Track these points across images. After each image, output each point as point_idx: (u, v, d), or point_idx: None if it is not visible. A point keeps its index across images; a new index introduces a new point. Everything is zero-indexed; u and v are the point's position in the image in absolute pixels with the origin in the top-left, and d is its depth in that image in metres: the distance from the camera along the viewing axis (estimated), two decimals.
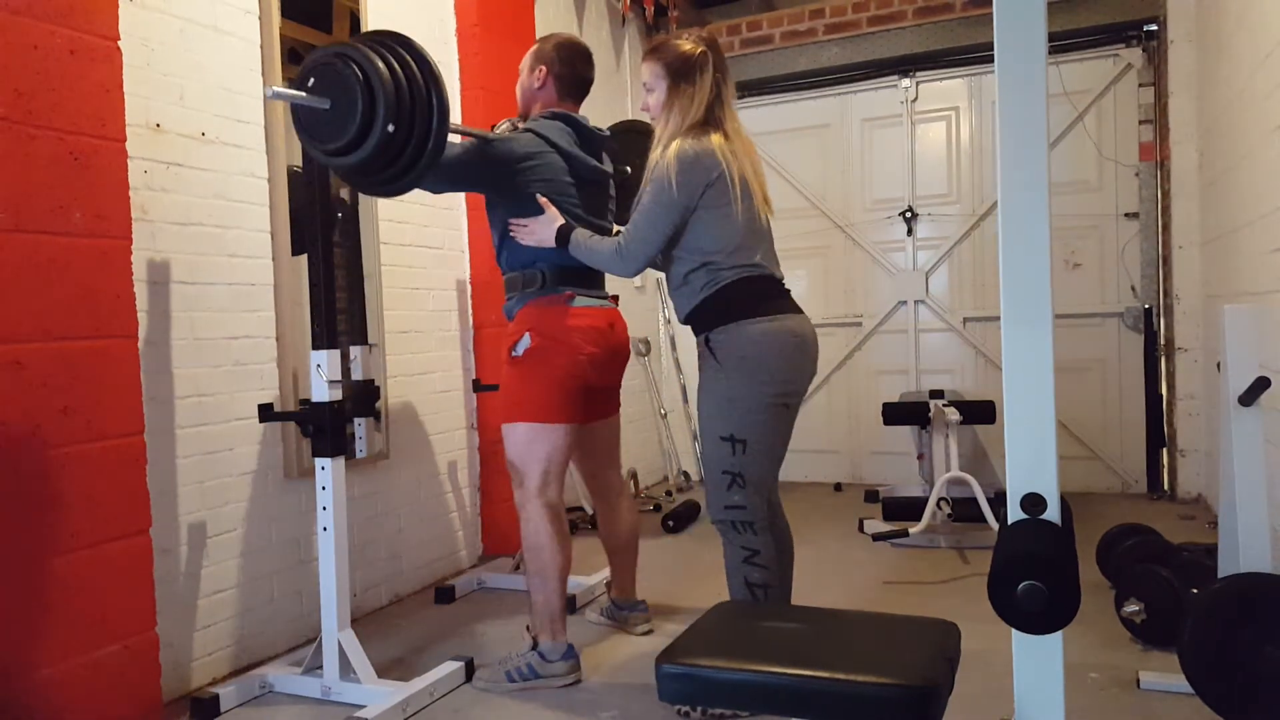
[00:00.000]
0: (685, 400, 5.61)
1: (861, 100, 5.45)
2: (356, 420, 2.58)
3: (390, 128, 2.15)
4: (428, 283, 3.72)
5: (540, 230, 2.52)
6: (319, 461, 2.49)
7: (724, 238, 2.28)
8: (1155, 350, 4.84)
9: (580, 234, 2.47)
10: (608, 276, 2.73)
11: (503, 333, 2.74)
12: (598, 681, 2.64)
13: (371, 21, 3.40)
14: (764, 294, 2.30)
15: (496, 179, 2.56)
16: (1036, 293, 1.24)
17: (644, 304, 5.62)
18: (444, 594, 3.45)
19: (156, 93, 2.57)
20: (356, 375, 2.62)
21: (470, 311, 3.93)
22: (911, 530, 3.79)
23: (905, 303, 5.38)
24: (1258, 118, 3.31)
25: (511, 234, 2.59)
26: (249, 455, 2.83)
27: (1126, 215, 4.90)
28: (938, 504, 3.83)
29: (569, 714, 2.43)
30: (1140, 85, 4.83)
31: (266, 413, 2.53)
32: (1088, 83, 4.92)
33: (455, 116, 3.89)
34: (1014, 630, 1.24)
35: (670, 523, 4.44)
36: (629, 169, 3.00)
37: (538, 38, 4.22)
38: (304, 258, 2.87)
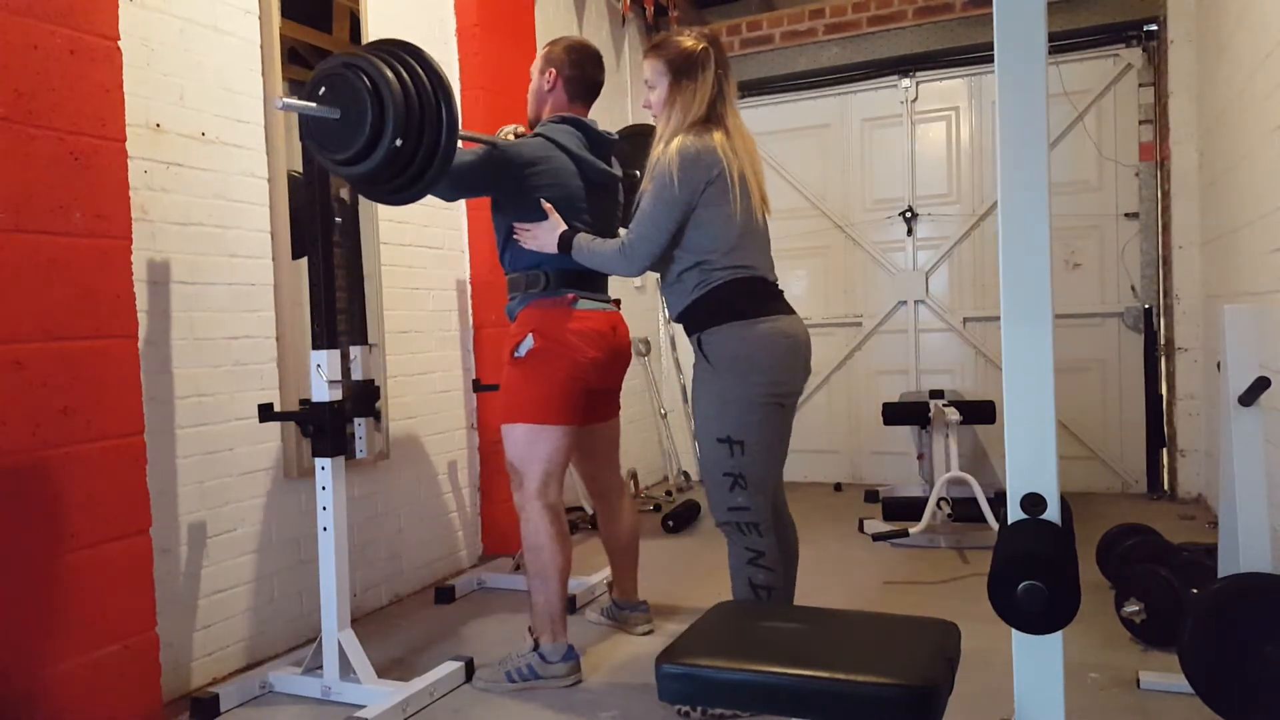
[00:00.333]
0: (685, 400, 5.60)
1: (861, 100, 5.45)
2: (356, 420, 2.58)
3: (398, 142, 2.15)
4: (428, 283, 3.72)
5: (543, 236, 2.52)
6: (319, 461, 2.49)
7: (720, 237, 2.28)
8: (1155, 350, 4.84)
9: (582, 238, 2.47)
10: (610, 277, 2.74)
11: (504, 333, 2.74)
12: (598, 682, 2.64)
13: (371, 21, 3.40)
14: (756, 295, 2.31)
15: (505, 184, 2.56)
16: (1036, 293, 1.24)
17: (644, 304, 5.62)
18: (444, 594, 3.45)
19: (156, 93, 2.57)
20: (356, 375, 2.62)
21: (470, 311, 3.93)
22: (911, 530, 3.79)
23: (905, 303, 5.38)
24: (1258, 118, 3.31)
25: (515, 238, 2.59)
26: (249, 455, 2.83)
27: (1126, 215, 4.90)
28: (938, 504, 3.83)
29: (569, 714, 2.43)
30: (1140, 85, 4.83)
31: (266, 413, 2.53)
32: (1088, 83, 4.92)
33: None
34: (1014, 630, 1.24)
35: (670, 523, 4.44)
36: (638, 173, 3.00)
37: (538, 38, 4.24)
38: (304, 258, 2.88)
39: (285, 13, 2.99)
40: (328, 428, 2.46)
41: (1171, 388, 4.75)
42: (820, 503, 4.96)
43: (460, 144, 2.38)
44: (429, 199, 2.44)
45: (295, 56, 3.07)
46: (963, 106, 5.22)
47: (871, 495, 4.94)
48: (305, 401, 2.55)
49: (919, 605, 3.20)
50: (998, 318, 1.27)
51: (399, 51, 2.25)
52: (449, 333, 3.84)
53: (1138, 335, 4.88)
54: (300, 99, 2.20)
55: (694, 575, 3.67)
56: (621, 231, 2.43)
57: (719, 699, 1.47)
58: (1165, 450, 4.82)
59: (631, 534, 3.04)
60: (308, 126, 2.27)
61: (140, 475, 2.24)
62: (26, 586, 1.99)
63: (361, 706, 2.37)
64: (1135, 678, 2.47)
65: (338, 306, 2.62)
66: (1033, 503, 1.24)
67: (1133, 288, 4.90)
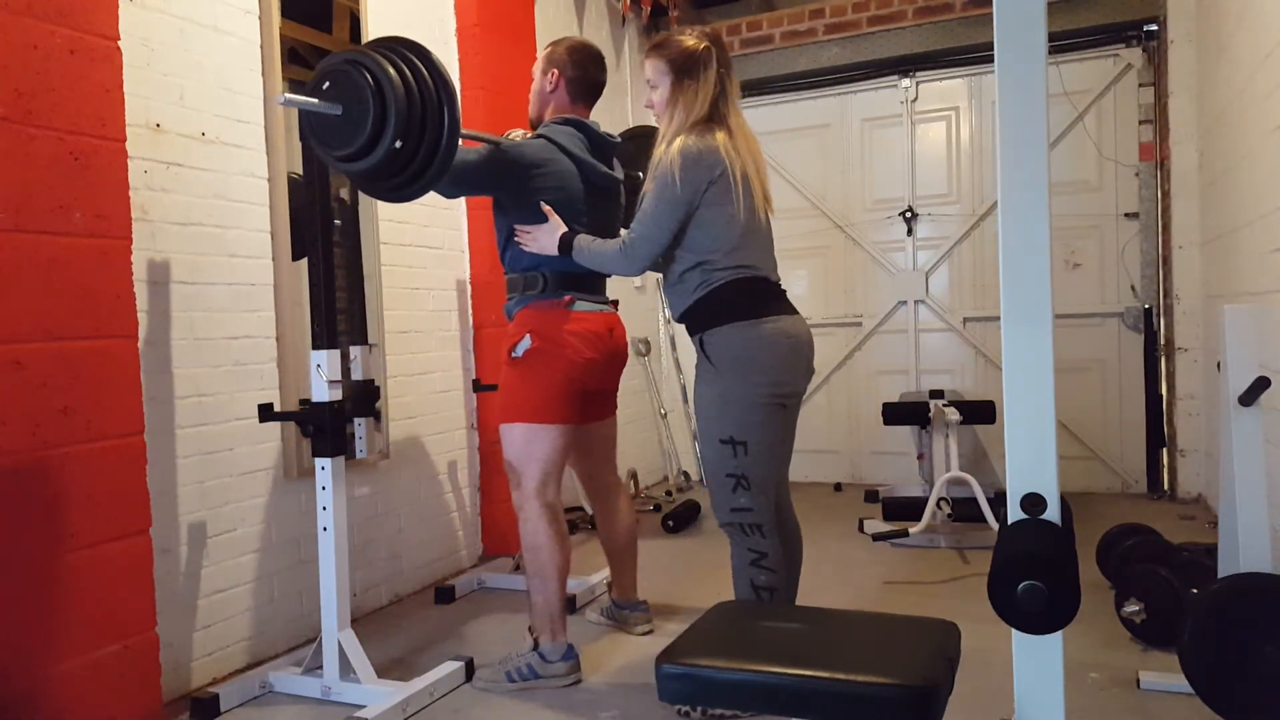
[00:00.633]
0: (685, 400, 5.60)
1: (861, 100, 5.45)
2: (356, 420, 2.58)
3: (398, 144, 2.15)
4: (428, 283, 3.72)
5: (543, 238, 2.52)
6: (319, 461, 2.49)
7: (723, 237, 2.27)
8: (1155, 350, 4.84)
9: (582, 239, 2.47)
10: (609, 278, 2.74)
11: (502, 332, 2.74)
12: (598, 681, 2.64)
13: (371, 21, 3.40)
14: (758, 295, 2.30)
15: (508, 185, 2.56)
16: (1036, 293, 1.24)
17: (644, 304, 5.62)
18: (444, 594, 3.45)
19: (156, 93, 2.57)
20: (356, 375, 2.62)
21: (470, 311, 3.93)
22: (911, 530, 3.79)
23: (905, 303, 5.38)
24: (1258, 118, 3.31)
25: (516, 240, 2.59)
26: (249, 455, 2.83)
27: (1126, 215, 4.90)
28: (938, 504, 3.83)
29: (569, 714, 2.43)
30: (1140, 85, 4.83)
31: (266, 413, 2.53)
32: (1088, 83, 4.92)
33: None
34: (1014, 630, 1.24)
35: (670, 523, 4.44)
36: (640, 174, 3.00)
37: (538, 38, 4.24)
38: (304, 258, 2.87)
39: (285, 13, 2.99)
40: (328, 428, 2.46)
41: (1171, 388, 4.75)
42: (820, 503, 4.96)
43: (463, 143, 2.38)
44: (430, 197, 2.44)
45: (295, 56, 3.07)
46: (963, 106, 5.22)
47: (871, 495, 4.93)
48: (305, 401, 2.55)
49: (919, 605, 3.20)
50: (998, 318, 1.27)
51: (403, 50, 2.24)
52: (449, 333, 3.84)
53: (1138, 335, 4.88)
54: (303, 94, 2.20)
55: (694, 575, 3.67)
56: (623, 232, 2.43)
57: (719, 699, 1.47)
58: (1165, 450, 4.82)
59: (629, 533, 3.04)
60: (309, 121, 2.28)
61: (140, 475, 2.24)
62: (26, 586, 1.99)
63: (361, 706, 2.37)
64: (1135, 678, 2.47)
65: (338, 306, 2.62)
66: (1033, 503, 1.24)
67: (1133, 288, 4.90)
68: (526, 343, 2.59)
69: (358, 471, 3.27)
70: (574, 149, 2.61)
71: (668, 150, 2.27)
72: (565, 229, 2.51)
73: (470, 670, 2.67)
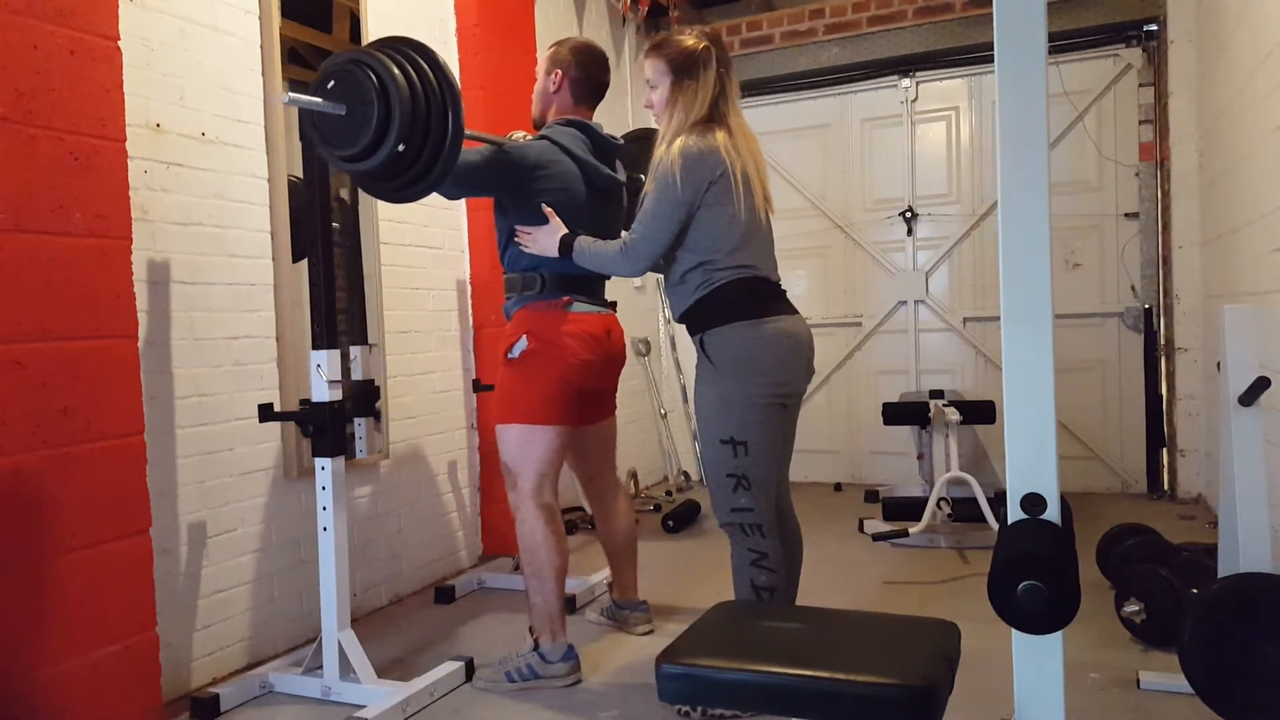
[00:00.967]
0: (685, 400, 5.60)
1: (861, 100, 5.45)
2: (356, 420, 2.58)
3: (401, 147, 2.15)
4: (428, 283, 3.72)
5: (544, 240, 2.51)
6: (319, 461, 2.49)
7: (724, 237, 2.27)
8: (1155, 350, 4.84)
9: (583, 241, 2.46)
10: (608, 281, 2.73)
11: (502, 333, 2.74)
12: (598, 681, 2.64)
13: (371, 21, 3.40)
14: (758, 295, 2.30)
15: (509, 186, 2.56)
16: (1036, 293, 1.24)
17: (644, 304, 5.62)
18: (444, 594, 3.45)
19: (156, 93, 2.57)
20: (356, 375, 2.62)
21: (470, 311, 3.93)
22: (911, 530, 3.79)
23: (905, 303, 5.38)
24: (1258, 118, 3.31)
25: (516, 241, 2.59)
26: (249, 455, 2.83)
27: (1126, 215, 4.90)
28: (938, 504, 3.83)
29: (569, 714, 2.43)
30: (1140, 85, 4.83)
31: (266, 413, 2.53)
32: (1088, 83, 4.92)
33: None
34: (1014, 630, 1.24)
35: (670, 523, 4.44)
36: (641, 176, 3.00)
37: (538, 38, 4.24)
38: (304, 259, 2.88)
39: (285, 13, 2.99)
40: (328, 428, 2.46)
41: (1171, 388, 4.75)
42: (820, 503, 4.96)
43: (466, 143, 2.37)
44: (430, 197, 2.44)
45: (295, 56, 3.07)
46: (963, 106, 5.22)
47: (871, 495, 4.94)
48: (305, 401, 2.55)
49: (919, 605, 3.20)
50: (998, 318, 1.27)
51: (408, 50, 2.24)
52: (449, 333, 3.84)
53: (1138, 335, 4.88)
54: (308, 94, 2.20)
55: (694, 575, 3.67)
56: (624, 234, 2.43)
57: (719, 699, 1.47)
58: (1165, 450, 4.82)
59: (629, 534, 3.04)
60: (312, 121, 2.27)
61: (140, 475, 2.24)
62: (26, 586, 1.99)
63: (361, 706, 2.37)
64: (1135, 678, 2.47)
65: (338, 306, 2.62)
66: (1033, 503, 1.24)
67: (1133, 288, 4.90)
68: (523, 344, 2.59)
69: (358, 471, 3.27)
70: (577, 150, 2.60)
71: (668, 151, 2.26)
72: (566, 230, 2.50)
73: (470, 670, 2.67)
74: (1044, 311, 1.23)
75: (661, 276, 2.44)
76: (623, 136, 2.91)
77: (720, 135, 2.28)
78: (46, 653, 2.02)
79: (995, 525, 3.65)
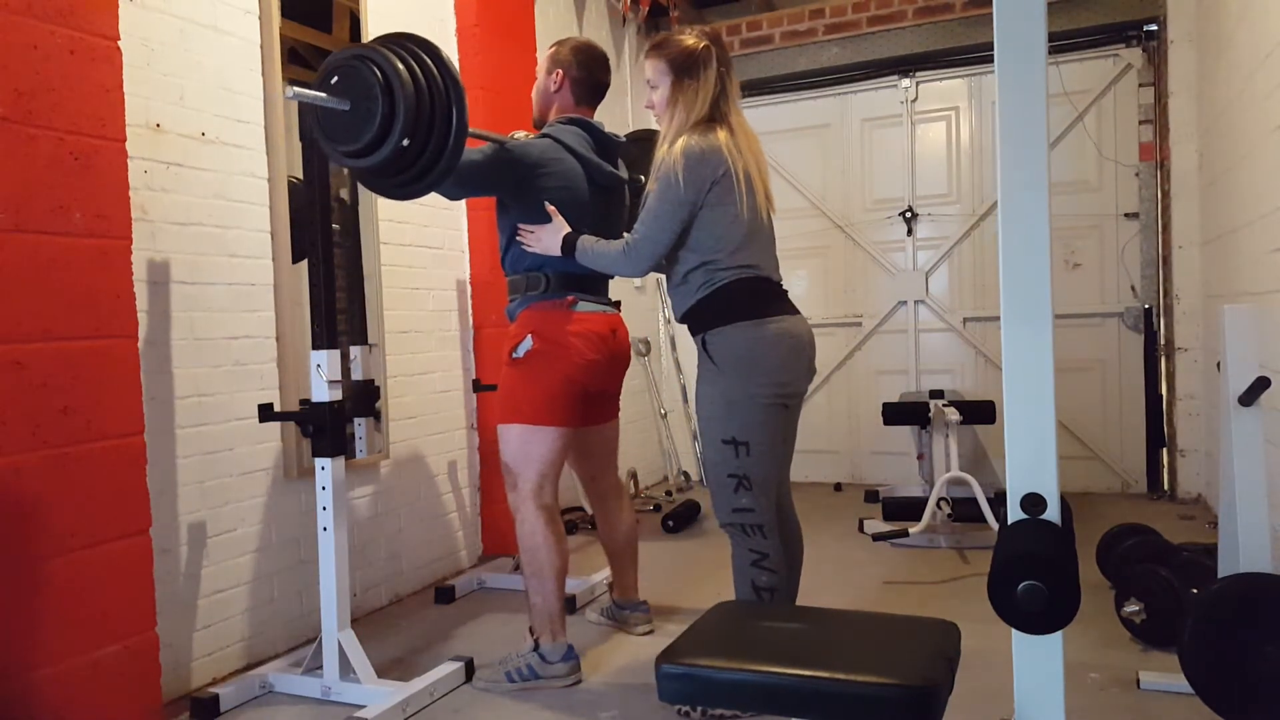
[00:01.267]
0: (685, 400, 5.61)
1: (861, 100, 5.45)
2: (356, 420, 2.58)
3: (405, 141, 2.14)
4: (428, 283, 3.72)
5: (546, 238, 2.51)
6: (319, 461, 2.49)
7: (726, 237, 2.27)
8: (1155, 350, 4.84)
9: (586, 240, 2.45)
10: (611, 280, 2.73)
11: (504, 333, 2.74)
12: (598, 681, 2.64)
13: (371, 21, 3.40)
14: (760, 295, 2.30)
15: (511, 184, 2.55)
16: (1036, 293, 1.24)
17: (644, 304, 5.62)
18: (444, 594, 3.45)
19: (156, 93, 2.57)
20: (356, 375, 2.62)
21: (470, 311, 3.93)
22: (911, 530, 3.79)
23: (905, 303, 5.38)
24: (1258, 118, 3.31)
25: (518, 240, 2.59)
26: (249, 455, 2.83)
27: (1126, 215, 4.90)
28: (938, 504, 3.83)
29: (569, 714, 2.43)
30: (1140, 85, 4.83)
31: (266, 413, 2.53)
32: (1088, 83, 4.92)
33: None
34: (1014, 630, 1.24)
35: (670, 523, 4.44)
36: (642, 178, 3.00)
37: (538, 38, 4.24)
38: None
39: (285, 13, 2.99)
40: (328, 428, 2.46)
41: (1171, 388, 4.75)
42: (820, 503, 4.96)
43: (468, 141, 2.37)
44: (430, 196, 2.43)
45: (295, 56, 3.08)
46: (963, 106, 5.22)
47: (871, 495, 4.94)
48: (305, 401, 2.55)
49: (919, 605, 3.20)
50: (998, 318, 1.27)
51: (413, 46, 2.24)
52: (449, 333, 3.84)
53: (1138, 335, 4.88)
54: (312, 89, 2.20)
55: (694, 575, 3.67)
56: (626, 235, 2.42)
57: (719, 699, 1.47)
58: (1165, 450, 4.82)
59: (629, 534, 3.04)
60: (315, 116, 2.27)
61: (140, 475, 2.24)
62: (27, 586, 1.99)
63: (361, 706, 2.37)
64: (1135, 678, 2.47)
65: (338, 306, 2.62)
66: (1033, 503, 1.24)
67: (1133, 288, 4.90)
68: (528, 344, 2.58)
69: (358, 471, 3.27)
70: (579, 148, 2.60)
71: (670, 150, 2.26)
72: (569, 229, 2.50)
73: (470, 670, 2.67)
74: (1044, 311, 1.23)
75: (662, 276, 2.44)
76: (625, 136, 2.90)
77: (722, 134, 2.27)
78: (46, 653, 2.02)
79: (995, 525, 3.65)
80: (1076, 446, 4.98)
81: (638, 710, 2.42)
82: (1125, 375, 4.94)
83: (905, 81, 5.30)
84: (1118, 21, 4.78)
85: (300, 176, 2.63)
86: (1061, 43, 4.80)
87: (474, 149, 2.48)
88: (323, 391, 2.46)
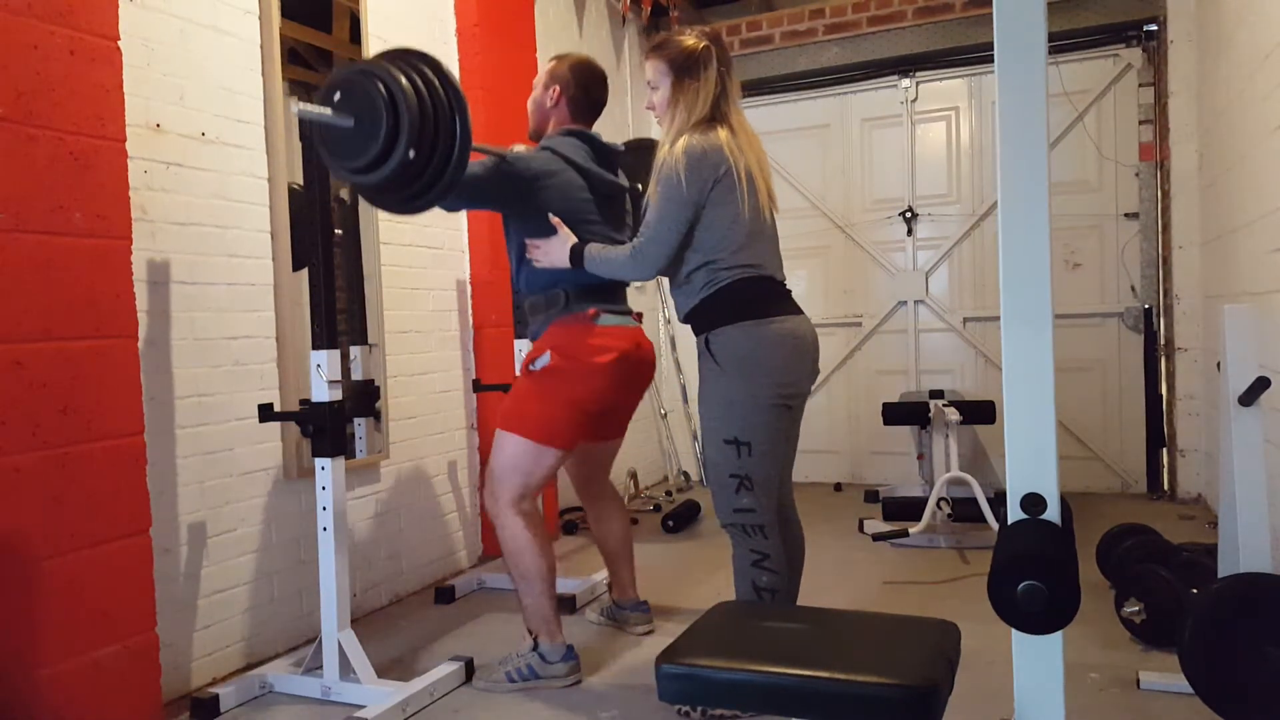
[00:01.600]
0: (685, 400, 5.61)
1: (861, 100, 5.45)
2: (356, 420, 2.58)
3: (411, 154, 2.14)
4: (428, 283, 3.72)
5: (554, 251, 2.49)
6: (319, 461, 2.49)
7: (729, 236, 2.27)
8: (1155, 350, 4.84)
9: (593, 247, 2.44)
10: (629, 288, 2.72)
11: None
12: (598, 681, 2.64)
13: (371, 21, 3.40)
14: (763, 295, 2.30)
15: (514, 197, 2.54)
16: (1036, 293, 1.24)
17: (644, 304, 5.62)
18: (444, 594, 3.45)
19: (156, 93, 2.57)
20: (356, 375, 2.62)
21: (470, 311, 3.93)
22: (911, 530, 3.79)
23: (905, 303, 5.38)
24: (1258, 118, 3.31)
25: (529, 257, 2.58)
26: (249, 455, 2.83)
27: (1126, 215, 4.90)
28: (938, 504, 3.83)
29: (569, 714, 2.43)
30: (1140, 85, 4.83)
31: (266, 413, 2.53)
32: (1088, 83, 4.92)
33: None
34: (1014, 630, 1.24)
35: (670, 523, 4.44)
36: (641, 186, 2.99)
37: (538, 39, 4.24)
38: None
39: (285, 13, 2.99)
40: (328, 428, 2.46)
41: (1171, 388, 4.75)
42: (820, 503, 4.96)
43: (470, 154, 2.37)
44: None
45: (295, 56, 3.08)
46: (963, 106, 5.22)
47: (871, 495, 4.93)
48: (305, 401, 2.55)
49: (919, 605, 3.20)
50: (998, 318, 1.27)
51: (414, 60, 2.23)
52: (449, 333, 3.84)
53: (1138, 335, 4.88)
54: (314, 105, 2.19)
55: (694, 575, 3.67)
56: (632, 240, 2.41)
57: (719, 699, 1.47)
58: (1165, 450, 4.82)
59: (623, 534, 3.04)
60: (319, 134, 2.26)
61: (140, 475, 2.24)
62: (27, 586, 1.99)
63: (361, 706, 2.37)
64: (1135, 678, 2.47)
65: (338, 306, 2.62)
66: (1033, 503, 1.24)
67: (1133, 288, 4.90)
68: (546, 359, 2.56)
69: (358, 471, 3.27)
70: (579, 160, 2.59)
71: (672, 150, 2.25)
72: (575, 239, 2.48)
73: (470, 670, 2.67)
74: (1044, 311, 1.23)
75: (667, 279, 2.43)
76: (622, 145, 2.90)
77: (723, 133, 2.27)
78: (46, 653, 2.02)
79: (995, 525, 3.65)
80: (1076, 446, 4.98)
81: (638, 710, 2.42)
82: (1125, 375, 4.94)
83: (905, 81, 5.30)
84: (1118, 21, 4.78)
85: (300, 183, 2.62)
86: (1061, 43, 4.80)
87: (475, 162, 2.47)
88: (323, 391, 2.46)
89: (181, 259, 2.64)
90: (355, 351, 2.66)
